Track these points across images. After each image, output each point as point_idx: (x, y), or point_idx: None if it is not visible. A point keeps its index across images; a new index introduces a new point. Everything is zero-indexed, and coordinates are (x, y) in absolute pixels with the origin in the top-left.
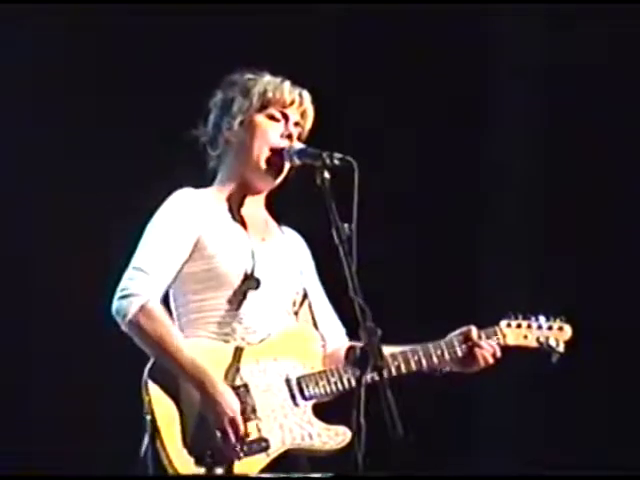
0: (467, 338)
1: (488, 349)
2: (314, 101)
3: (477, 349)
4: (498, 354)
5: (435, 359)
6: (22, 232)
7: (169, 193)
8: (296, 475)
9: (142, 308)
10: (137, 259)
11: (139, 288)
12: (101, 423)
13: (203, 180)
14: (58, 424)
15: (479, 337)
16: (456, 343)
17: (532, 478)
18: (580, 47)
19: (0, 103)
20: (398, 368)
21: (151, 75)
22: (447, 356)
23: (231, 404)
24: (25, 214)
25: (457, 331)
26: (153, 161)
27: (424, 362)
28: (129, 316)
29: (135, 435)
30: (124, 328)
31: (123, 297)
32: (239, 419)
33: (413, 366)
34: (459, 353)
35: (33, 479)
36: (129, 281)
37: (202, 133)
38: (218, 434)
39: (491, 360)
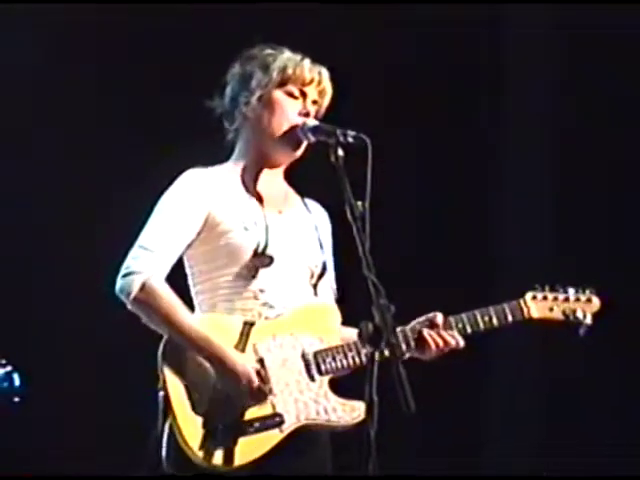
0: (432, 324)
1: (450, 341)
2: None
3: (432, 336)
4: (461, 344)
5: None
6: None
7: (178, 174)
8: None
9: (144, 285)
10: (141, 238)
11: (142, 266)
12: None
13: (220, 153)
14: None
15: (445, 325)
16: (418, 327)
17: (532, 478)
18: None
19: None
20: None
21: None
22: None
23: (242, 366)
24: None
25: (423, 317)
26: (166, 139)
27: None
28: (132, 294)
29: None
30: (129, 306)
31: (125, 275)
32: (254, 378)
33: None
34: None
35: (33, 479)
36: (132, 259)
37: (218, 105)
38: (235, 400)
39: (445, 349)
